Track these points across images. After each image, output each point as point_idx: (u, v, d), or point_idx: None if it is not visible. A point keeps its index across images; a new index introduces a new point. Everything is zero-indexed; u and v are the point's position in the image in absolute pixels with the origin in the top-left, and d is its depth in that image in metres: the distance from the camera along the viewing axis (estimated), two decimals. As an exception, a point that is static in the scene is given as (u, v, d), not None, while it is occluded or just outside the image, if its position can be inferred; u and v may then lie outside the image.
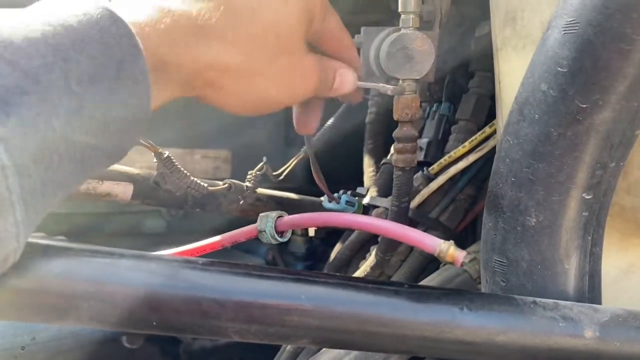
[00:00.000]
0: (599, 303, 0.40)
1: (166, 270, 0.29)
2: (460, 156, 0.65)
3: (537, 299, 0.36)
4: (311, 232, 0.89)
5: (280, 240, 0.38)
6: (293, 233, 0.97)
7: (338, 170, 0.82)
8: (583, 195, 0.38)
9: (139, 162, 0.98)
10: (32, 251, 0.28)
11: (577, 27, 0.35)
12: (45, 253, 0.28)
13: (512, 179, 0.39)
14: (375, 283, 0.33)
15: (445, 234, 0.67)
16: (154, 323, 0.29)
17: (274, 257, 1.09)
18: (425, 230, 0.67)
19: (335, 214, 0.38)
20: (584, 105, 0.35)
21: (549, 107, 0.36)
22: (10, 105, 0.26)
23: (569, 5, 0.36)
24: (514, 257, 0.40)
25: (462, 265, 0.62)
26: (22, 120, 0.26)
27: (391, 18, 0.80)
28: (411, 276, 0.67)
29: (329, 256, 0.83)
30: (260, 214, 0.39)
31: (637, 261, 0.46)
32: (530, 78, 0.38)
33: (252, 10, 0.38)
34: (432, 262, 0.68)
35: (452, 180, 0.66)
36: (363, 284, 0.32)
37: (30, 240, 0.27)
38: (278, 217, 0.38)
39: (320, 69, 0.44)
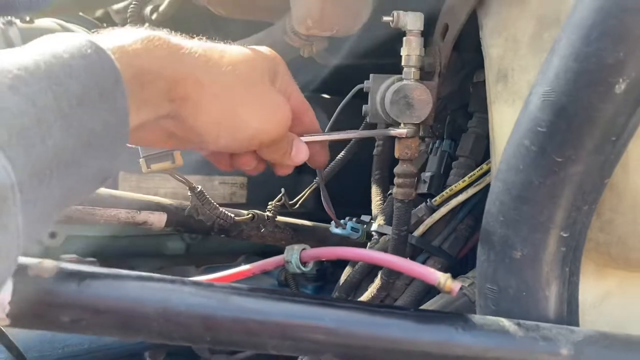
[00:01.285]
0: (577, 325, 0.47)
1: (219, 295, 0.36)
2: (460, 189, 0.72)
3: (522, 321, 0.43)
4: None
5: (305, 270, 0.45)
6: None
7: (347, 198, 0.89)
8: (561, 233, 0.45)
9: (163, 189, 1.05)
10: (110, 277, 0.35)
11: (553, 96, 0.42)
12: (123, 279, 0.35)
13: (501, 218, 0.46)
14: (386, 307, 0.40)
15: (448, 260, 0.74)
16: (208, 339, 0.36)
17: (286, 277, 1.15)
18: (428, 257, 0.75)
19: (351, 249, 0.45)
20: (560, 160, 0.42)
21: (531, 160, 0.44)
22: (13, 127, 0.28)
23: (547, 76, 0.43)
24: (503, 285, 0.46)
25: (461, 289, 0.69)
26: (23, 139, 0.29)
27: (399, 62, 0.88)
28: (415, 299, 0.73)
29: (337, 277, 0.89)
30: (287, 247, 0.46)
31: (613, 289, 0.53)
32: (516, 134, 0.45)
33: (224, 51, 0.44)
34: (434, 287, 0.75)
35: (453, 211, 0.73)
36: (376, 308, 0.39)
37: (114, 270, 0.35)
38: (302, 249, 0.45)
39: (289, 111, 0.49)
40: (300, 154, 0.52)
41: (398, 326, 0.39)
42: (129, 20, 0.65)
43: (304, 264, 0.45)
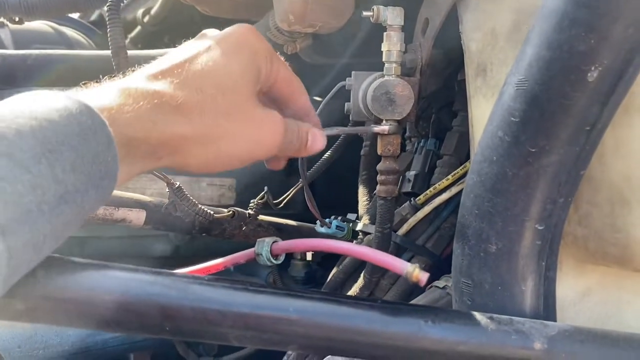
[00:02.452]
0: (554, 321, 0.46)
1: (178, 284, 0.35)
2: (444, 188, 0.71)
3: (495, 315, 0.42)
4: (309, 256, 0.95)
5: (275, 262, 0.44)
6: (293, 258, 1.04)
7: (334, 198, 0.88)
8: (536, 226, 0.44)
9: (149, 189, 1.05)
10: (68, 266, 0.35)
11: (526, 85, 0.41)
12: (81, 267, 0.35)
13: (476, 211, 0.45)
14: (353, 299, 0.39)
15: (432, 259, 0.73)
16: (167, 328, 0.35)
17: (274, 280, 1.14)
18: (413, 256, 0.74)
19: (320, 240, 0.44)
20: (533, 150, 0.42)
21: (505, 150, 0.43)
22: (8, 194, 0.29)
23: (520, 65, 0.42)
24: (478, 279, 0.46)
25: (444, 288, 0.69)
26: (17, 207, 0.30)
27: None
28: (400, 298, 0.72)
29: (326, 278, 0.89)
30: (258, 239, 0.45)
31: (593, 285, 0.51)
32: (490, 125, 0.45)
33: (200, 77, 0.42)
34: (418, 286, 0.74)
35: (437, 210, 0.72)
36: (342, 299, 0.38)
37: (70, 258, 0.34)
38: (273, 242, 0.45)
39: (280, 123, 0.47)
40: (317, 144, 0.50)
41: (364, 317, 0.38)
42: (107, 22, 0.64)
43: (276, 256, 0.45)
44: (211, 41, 0.45)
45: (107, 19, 0.61)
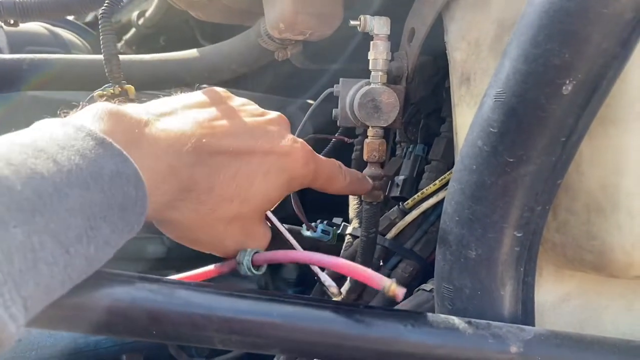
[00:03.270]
0: (532, 325, 0.47)
1: (165, 289, 0.36)
2: (431, 193, 0.73)
3: (473, 320, 0.43)
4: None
5: (256, 273, 0.45)
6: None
7: (325, 201, 0.89)
8: (514, 233, 0.45)
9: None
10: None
11: (504, 96, 0.43)
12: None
13: (457, 217, 0.47)
14: (336, 303, 0.40)
15: (419, 263, 0.74)
16: (154, 332, 0.36)
17: (266, 282, 1.16)
18: (400, 260, 0.75)
19: (301, 252, 0.45)
20: (511, 160, 0.43)
21: (484, 159, 0.44)
22: (42, 275, 0.30)
23: (499, 78, 0.44)
24: (459, 284, 0.47)
25: (431, 291, 0.70)
26: (45, 288, 0.30)
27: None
28: (387, 302, 0.74)
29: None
30: (240, 249, 0.46)
31: (572, 290, 0.53)
32: (470, 135, 0.46)
33: (232, 175, 0.43)
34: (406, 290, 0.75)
35: (425, 214, 0.74)
36: (325, 304, 0.40)
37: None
38: (255, 252, 0.46)
39: (267, 237, 0.49)
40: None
41: (346, 321, 0.39)
42: (100, 30, 0.65)
43: (257, 267, 0.46)
44: (268, 147, 0.45)
45: (99, 26, 0.62)
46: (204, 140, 0.42)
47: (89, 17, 1.70)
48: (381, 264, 0.76)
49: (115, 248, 0.35)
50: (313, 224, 0.74)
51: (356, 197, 0.90)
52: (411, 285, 0.75)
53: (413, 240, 0.75)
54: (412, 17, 0.62)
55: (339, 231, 0.76)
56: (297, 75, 1.04)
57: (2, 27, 1.34)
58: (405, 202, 0.75)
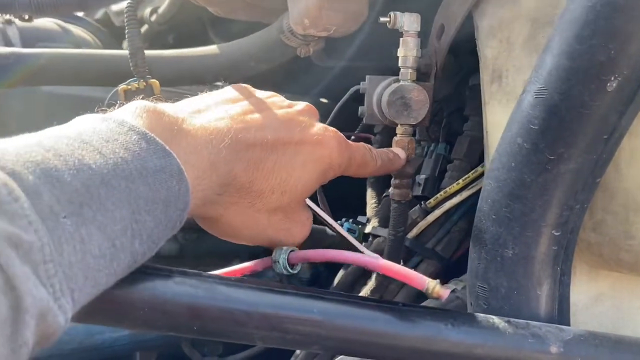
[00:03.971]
0: (567, 325, 0.47)
1: (206, 284, 0.36)
2: (454, 192, 0.72)
3: (511, 319, 0.43)
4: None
5: (292, 272, 0.45)
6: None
7: (341, 200, 0.89)
8: (552, 232, 0.44)
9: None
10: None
11: (546, 93, 0.42)
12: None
13: (493, 216, 0.46)
14: (375, 301, 0.40)
15: (441, 263, 0.73)
16: (195, 328, 0.35)
17: (281, 281, 1.15)
18: (422, 259, 0.74)
19: (341, 252, 0.44)
20: (552, 157, 0.42)
21: (523, 157, 0.44)
22: (90, 269, 0.29)
23: (540, 74, 0.43)
24: (495, 283, 0.46)
25: (454, 291, 0.69)
26: (92, 281, 0.30)
27: (394, 65, 0.89)
28: (408, 301, 0.73)
29: (331, 281, 0.89)
30: (276, 247, 0.46)
31: (605, 290, 0.52)
32: (508, 132, 0.45)
33: (272, 171, 0.43)
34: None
35: (447, 213, 0.73)
36: (365, 301, 0.39)
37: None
38: (291, 250, 0.45)
39: (310, 222, 0.49)
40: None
41: (386, 320, 0.38)
42: (126, 23, 0.64)
43: (292, 265, 0.45)
44: (301, 136, 0.45)
45: (125, 20, 0.61)
46: (239, 135, 0.42)
47: (99, 14, 1.70)
48: (401, 263, 0.76)
49: (157, 245, 0.35)
50: (338, 222, 0.73)
51: (374, 196, 0.90)
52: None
53: (435, 240, 0.74)
54: (441, 13, 0.61)
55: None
56: (307, 73, 1.04)
57: (14, 22, 1.33)
58: (428, 202, 0.74)
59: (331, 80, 1.00)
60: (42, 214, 0.28)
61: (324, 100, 1.25)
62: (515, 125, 0.44)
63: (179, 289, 0.35)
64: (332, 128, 0.48)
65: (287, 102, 0.50)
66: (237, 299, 0.36)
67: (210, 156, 0.39)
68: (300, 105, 0.49)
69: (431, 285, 0.38)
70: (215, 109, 0.44)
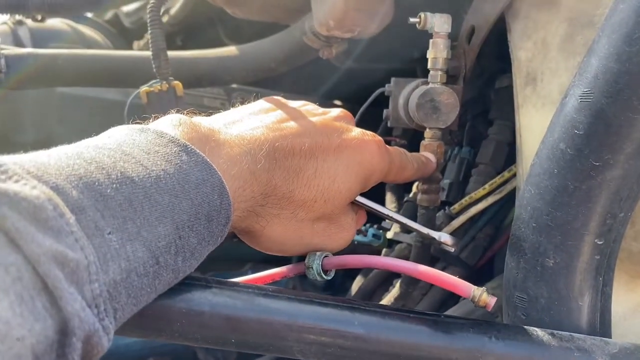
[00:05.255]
0: (609, 337, 0.45)
1: (244, 295, 0.34)
2: (480, 197, 0.70)
3: (555, 331, 0.41)
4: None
5: (326, 278, 0.43)
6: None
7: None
8: (595, 240, 0.43)
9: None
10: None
11: (592, 97, 0.41)
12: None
13: (534, 224, 0.44)
14: (416, 313, 0.38)
15: (465, 270, 0.72)
16: (233, 340, 0.34)
17: (294, 286, 1.13)
18: (446, 266, 0.73)
19: (378, 257, 0.43)
20: (597, 164, 0.41)
21: (567, 163, 0.42)
22: (133, 288, 0.28)
23: (585, 77, 0.41)
24: (534, 294, 0.45)
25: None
26: (135, 299, 0.29)
27: (414, 68, 0.87)
28: (431, 309, 0.71)
29: (347, 288, 0.88)
30: (309, 252, 0.44)
31: (644, 301, 0.51)
32: (550, 137, 0.44)
33: (314, 178, 0.41)
34: (450, 298, 0.73)
35: (472, 219, 0.71)
36: (407, 314, 0.38)
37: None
38: (325, 256, 0.43)
39: (354, 225, 0.47)
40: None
41: (429, 333, 0.37)
42: (149, 24, 0.63)
43: (326, 271, 0.44)
44: (340, 141, 0.44)
45: (148, 20, 0.60)
46: (277, 144, 0.40)
47: (109, 15, 1.69)
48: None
49: (199, 261, 0.34)
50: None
51: (394, 200, 0.88)
52: (455, 294, 0.72)
53: (460, 247, 0.72)
54: (472, 14, 0.60)
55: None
56: (317, 76, 1.02)
57: (25, 23, 1.32)
58: (452, 207, 0.72)
59: (345, 83, 0.98)
60: (87, 230, 0.26)
61: (337, 102, 1.23)
62: (558, 130, 0.43)
63: (216, 300, 0.34)
64: (370, 132, 0.47)
65: (321, 109, 0.48)
66: (276, 310, 0.34)
67: (250, 166, 0.38)
68: (335, 111, 0.48)
69: (477, 293, 0.37)
70: (249, 119, 0.43)
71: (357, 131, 0.45)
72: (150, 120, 0.37)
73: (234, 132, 0.39)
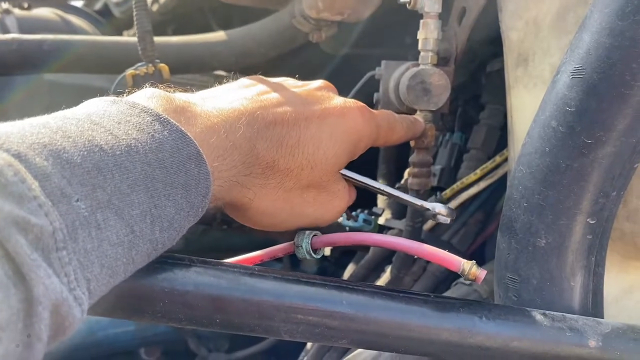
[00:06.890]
0: (601, 318, 0.45)
1: (229, 275, 0.33)
2: (471, 182, 0.70)
3: (547, 312, 0.40)
4: (327, 251, 0.94)
5: (315, 257, 0.43)
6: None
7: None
8: (587, 220, 0.42)
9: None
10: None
11: (583, 73, 0.40)
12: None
13: (525, 204, 0.44)
14: (406, 293, 0.37)
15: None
16: (217, 320, 0.33)
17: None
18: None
19: (367, 234, 0.42)
20: (589, 141, 0.40)
21: (558, 141, 0.41)
22: (107, 257, 0.27)
23: (576, 53, 0.41)
24: (526, 274, 0.44)
25: (471, 284, 0.67)
26: (110, 270, 0.28)
27: (405, 52, 0.86)
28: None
29: (339, 276, 0.87)
30: (298, 231, 0.43)
31: (637, 282, 0.50)
32: (542, 115, 0.43)
33: (298, 146, 0.40)
34: (442, 283, 0.73)
35: (464, 205, 0.71)
36: (396, 293, 0.37)
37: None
38: (313, 235, 0.43)
39: (347, 194, 0.46)
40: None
41: (418, 312, 0.36)
42: (134, 5, 0.62)
43: (315, 250, 0.43)
44: (323, 109, 0.43)
45: (133, 2, 0.59)
46: (257, 113, 0.39)
47: (99, 5, 1.67)
48: (416, 257, 0.74)
49: (180, 232, 0.33)
50: (353, 213, 0.71)
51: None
52: (448, 279, 0.72)
53: (451, 232, 0.72)
54: (462, -5, 0.59)
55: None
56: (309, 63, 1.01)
57: (12, 12, 1.30)
58: (443, 192, 0.72)
59: (336, 68, 0.97)
60: (52, 197, 0.25)
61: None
62: (550, 107, 0.42)
63: (201, 279, 0.33)
64: (352, 99, 0.46)
65: (302, 82, 0.48)
66: (262, 289, 0.34)
67: (229, 135, 0.37)
68: (316, 82, 0.47)
69: (467, 266, 0.36)
70: (228, 94, 0.42)
71: (339, 99, 0.45)
72: (125, 95, 0.36)
73: (210, 105, 0.38)
